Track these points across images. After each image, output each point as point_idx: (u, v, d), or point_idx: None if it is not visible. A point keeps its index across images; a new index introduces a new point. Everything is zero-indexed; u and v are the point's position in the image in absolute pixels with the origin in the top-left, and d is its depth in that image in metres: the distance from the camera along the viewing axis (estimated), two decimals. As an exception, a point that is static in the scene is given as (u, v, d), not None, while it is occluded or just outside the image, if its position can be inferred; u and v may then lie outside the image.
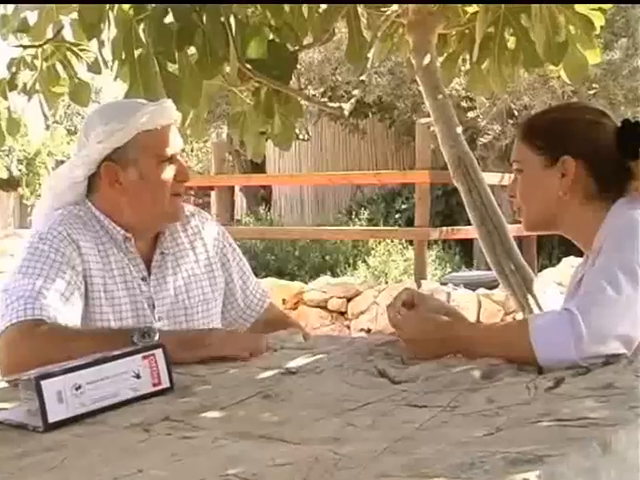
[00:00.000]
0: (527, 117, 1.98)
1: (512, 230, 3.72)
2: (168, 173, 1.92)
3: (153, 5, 2.56)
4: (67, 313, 1.76)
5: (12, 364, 1.66)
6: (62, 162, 10.94)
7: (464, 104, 10.01)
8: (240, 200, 15.37)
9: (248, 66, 2.66)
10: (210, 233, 2.08)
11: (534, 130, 1.78)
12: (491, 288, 6.98)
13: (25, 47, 2.96)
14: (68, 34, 2.97)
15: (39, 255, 1.81)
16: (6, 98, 2.98)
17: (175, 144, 1.93)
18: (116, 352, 1.41)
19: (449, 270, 9.38)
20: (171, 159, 1.92)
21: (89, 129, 1.94)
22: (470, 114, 9.96)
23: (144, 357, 1.41)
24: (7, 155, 22.37)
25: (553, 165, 1.72)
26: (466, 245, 10.13)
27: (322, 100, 9.47)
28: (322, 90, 11.74)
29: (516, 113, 10.04)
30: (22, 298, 1.73)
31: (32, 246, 1.84)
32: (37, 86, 3.01)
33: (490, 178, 7.19)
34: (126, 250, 1.92)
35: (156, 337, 1.64)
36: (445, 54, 3.39)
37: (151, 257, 1.95)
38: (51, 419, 1.26)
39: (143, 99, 2.10)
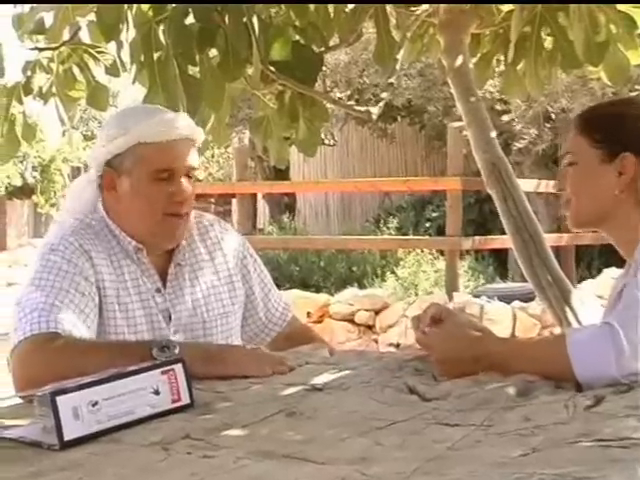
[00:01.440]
0: (588, 107, 1.95)
1: (549, 240, 3.70)
2: (161, 190, 1.90)
3: (173, 5, 2.58)
4: (82, 325, 1.78)
5: (26, 379, 1.68)
6: (78, 169, 11.03)
7: (498, 107, 9.98)
8: (263, 208, 15.42)
9: (272, 68, 2.67)
10: (230, 244, 2.09)
11: (594, 122, 1.76)
12: (527, 301, 6.94)
13: (41, 50, 2.99)
14: (85, 36, 3.00)
15: (51, 267, 1.83)
16: (21, 103, 3.01)
17: (177, 161, 1.91)
18: (134, 367, 1.42)
19: (482, 282, 9.33)
20: (169, 176, 1.90)
21: (101, 130, 2.00)
22: (504, 117, 9.93)
23: (163, 372, 1.42)
24: (21, 162, 22.55)
25: (611, 161, 1.70)
26: (500, 255, 10.08)
27: (349, 103, 9.48)
28: (349, 93, 11.77)
29: (553, 116, 10.00)
30: (36, 311, 1.74)
31: (44, 257, 1.85)
32: (53, 90, 3.03)
33: (526, 185, 7.15)
34: (138, 261, 1.94)
35: (176, 350, 1.64)
36: (478, 55, 3.39)
37: (167, 268, 1.97)
38: (67, 437, 1.27)
39: (164, 104, 2.11)
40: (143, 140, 1.89)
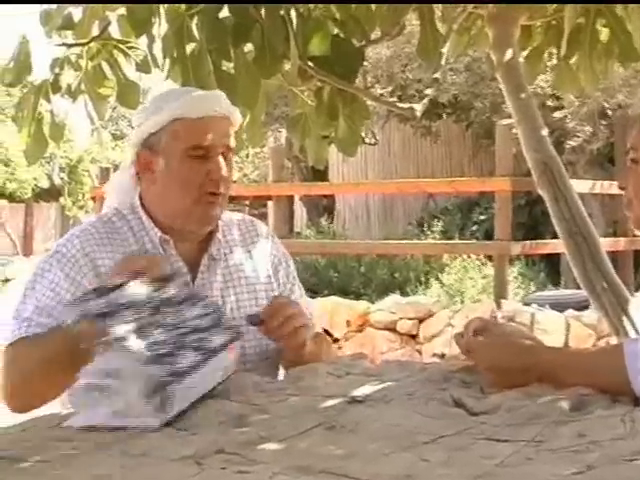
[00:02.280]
0: None
1: (605, 244, 3.67)
2: (197, 168, 1.93)
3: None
4: (49, 320, 1.86)
5: (7, 389, 1.84)
6: (107, 169, 11.13)
7: (550, 103, 9.92)
8: (300, 211, 15.45)
9: (310, 63, 2.68)
10: (270, 245, 2.12)
11: None
12: (581, 309, 6.88)
13: (69, 46, 3.03)
14: (115, 31, 3.03)
15: (47, 270, 1.92)
16: (49, 101, 3.04)
17: (213, 138, 1.93)
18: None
19: (533, 289, 9.27)
20: (205, 154, 1.93)
21: (136, 113, 2.07)
22: (557, 114, 9.86)
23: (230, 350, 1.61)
24: (48, 162, 22.82)
25: None
26: (552, 261, 10.00)
27: (391, 100, 9.47)
28: (391, 89, 11.76)
29: (609, 113, 9.91)
30: (17, 320, 1.89)
31: (45, 260, 1.95)
32: (82, 87, 3.07)
33: (579, 186, 7.10)
34: (165, 253, 1.97)
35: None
36: (529, 48, 3.37)
37: (198, 260, 2.00)
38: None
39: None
40: (178, 116, 1.92)
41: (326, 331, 7.23)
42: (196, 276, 1.99)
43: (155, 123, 1.94)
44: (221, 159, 1.95)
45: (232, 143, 1.98)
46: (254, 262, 2.07)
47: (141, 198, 2.02)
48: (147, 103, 2.06)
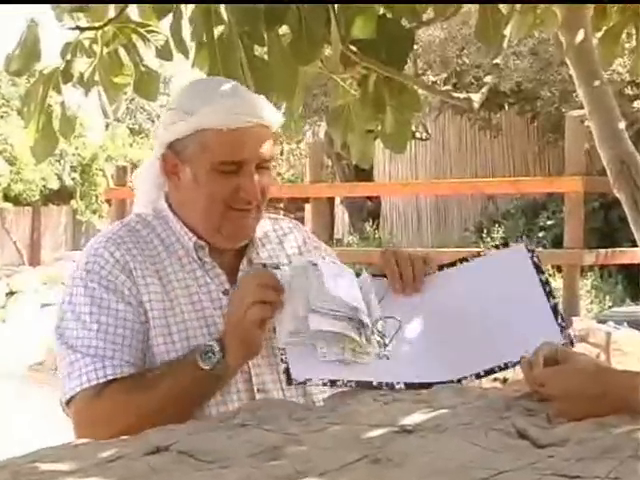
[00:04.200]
0: None
1: (691, 253, 3.64)
2: (226, 184, 1.94)
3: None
4: (134, 360, 1.91)
5: (89, 433, 1.78)
6: (124, 168, 11.21)
7: (629, 91, 9.86)
8: (341, 215, 15.48)
9: (353, 48, 2.69)
10: (314, 250, 2.16)
11: None
12: (664, 327, 6.83)
13: (82, 29, 3.05)
14: (134, 13, 3.05)
15: (90, 295, 1.93)
16: (59, 92, 3.07)
17: (246, 152, 1.93)
18: None
19: (609, 304, 9.22)
20: (237, 169, 1.94)
21: (166, 107, 2.07)
22: (636, 104, 9.79)
23: None
24: (58, 161, 23.01)
25: None
26: (631, 272, 9.93)
27: (445, 89, 9.46)
28: (445, 76, 11.75)
29: (697, 102, 9.82)
30: (88, 357, 1.89)
31: (80, 282, 1.95)
32: (96, 77, 3.09)
33: (662, 186, 7.03)
34: (200, 261, 1.99)
35: (218, 351, 1.84)
36: (604, 29, 3.35)
37: (235, 265, 2.03)
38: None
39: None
40: (207, 126, 1.92)
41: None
42: (235, 282, 2.00)
43: (182, 129, 1.94)
44: (255, 174, 1.95)
45: (270, 153, 1.98)
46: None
47: (168, 199, 2.04)
48: (176, 99, 2.03)
